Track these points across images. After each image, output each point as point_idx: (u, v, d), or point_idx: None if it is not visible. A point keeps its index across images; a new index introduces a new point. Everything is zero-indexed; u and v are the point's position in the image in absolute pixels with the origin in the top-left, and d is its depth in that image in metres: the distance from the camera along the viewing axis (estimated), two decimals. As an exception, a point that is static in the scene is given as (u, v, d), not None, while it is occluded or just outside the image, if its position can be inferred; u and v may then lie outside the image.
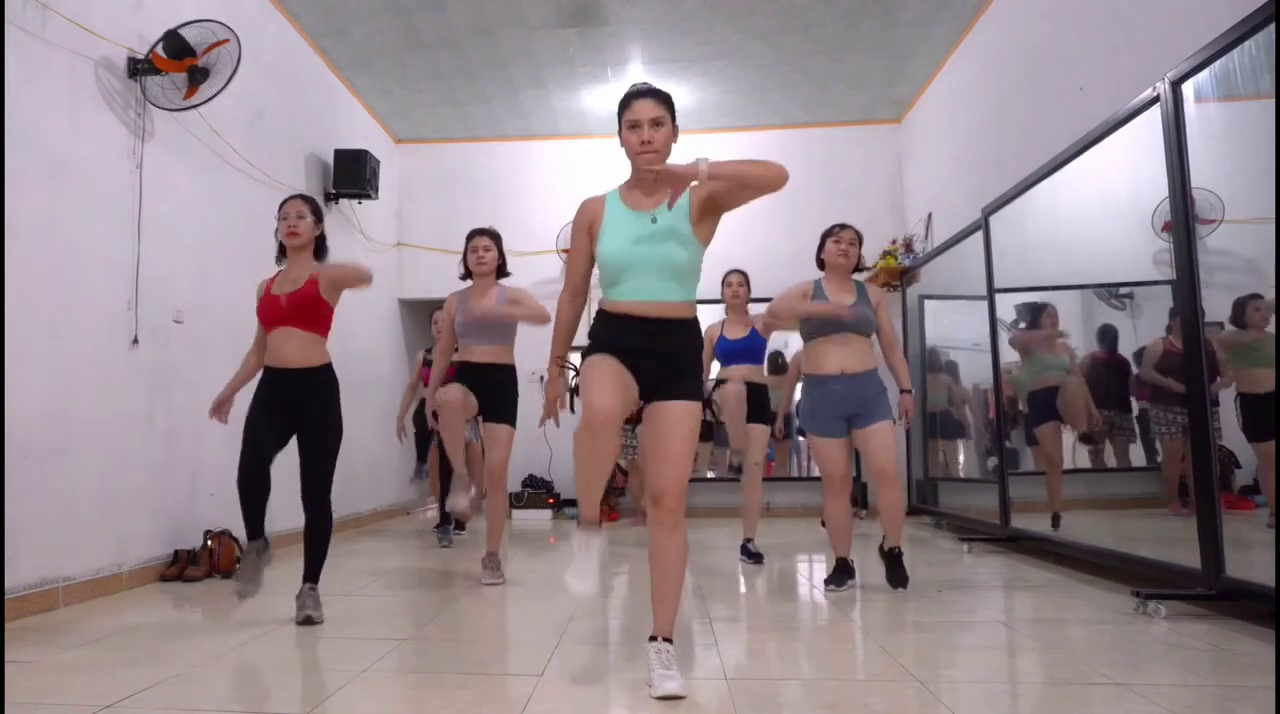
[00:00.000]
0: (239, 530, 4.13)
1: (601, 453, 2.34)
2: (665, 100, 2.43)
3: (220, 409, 3.38)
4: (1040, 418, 4.47)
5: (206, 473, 4.50)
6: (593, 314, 2.50)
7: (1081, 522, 4.21)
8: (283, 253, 3.34)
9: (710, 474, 7.33)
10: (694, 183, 2.34)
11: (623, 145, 2.43)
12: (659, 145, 2.39)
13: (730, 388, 4.41)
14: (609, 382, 2.28)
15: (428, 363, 5.77)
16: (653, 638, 2.32)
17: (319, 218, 3.34)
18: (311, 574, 3.22)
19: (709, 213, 2.44)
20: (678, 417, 2.33)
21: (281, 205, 3.31)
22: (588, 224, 2.48)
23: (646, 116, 2.38)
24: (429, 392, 4.21)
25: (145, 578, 3.99)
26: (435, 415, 3.97)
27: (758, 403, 4.53)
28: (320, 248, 3.37)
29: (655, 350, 2.35)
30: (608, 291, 2.44)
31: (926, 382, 6.60)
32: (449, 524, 5.97)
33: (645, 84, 2.48)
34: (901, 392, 3.75)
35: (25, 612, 3.23)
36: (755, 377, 4.60)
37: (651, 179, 2.38)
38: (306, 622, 3.09)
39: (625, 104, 2.42)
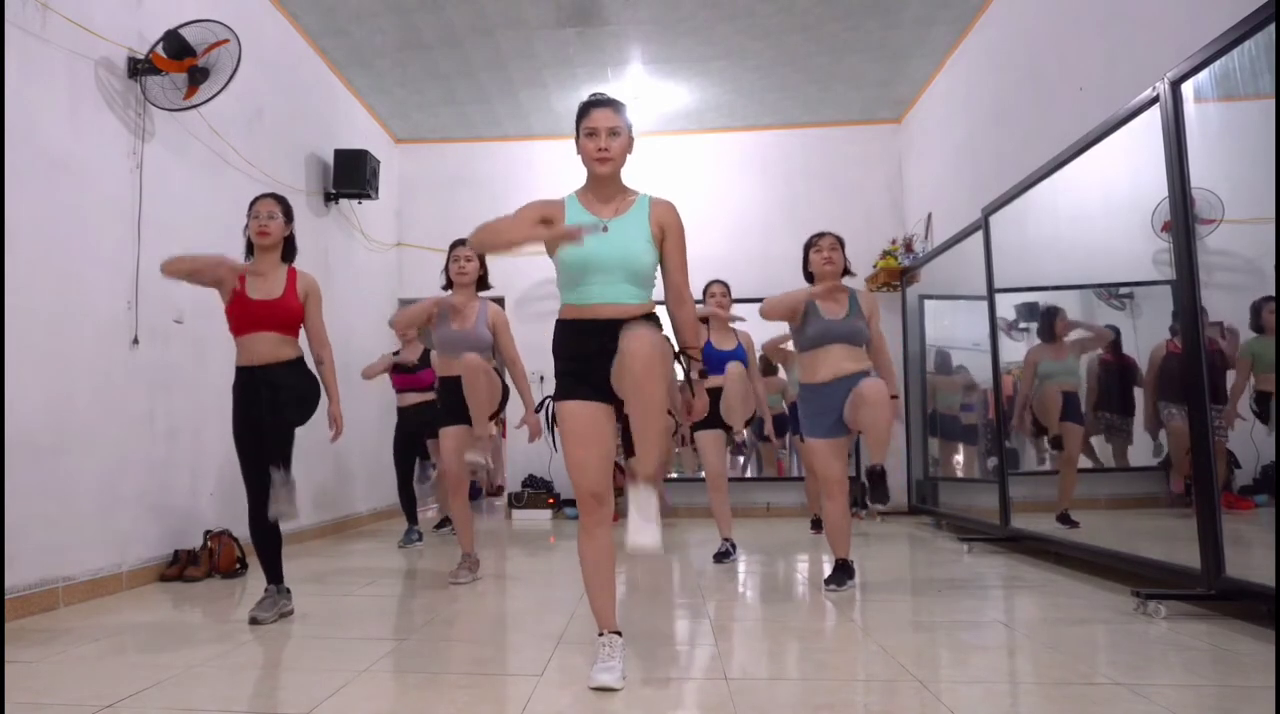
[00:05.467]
0: (239, 530, 4.15)
1: (602, 550, 2.40)
2: (622, 111, 2.48)
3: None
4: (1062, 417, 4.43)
5: (206, 473, 4.50)
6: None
7: (1081, 521, 4.21)
8: (250, 250, 3.33)
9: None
10: (662, 224, 2.46)
11: (579, 152, 2.48)
12: (615, 153, 2.44)
13: (734, 368, 4.60)
14: (590, 446, 2.36)
15: (398, 369, 5.81)
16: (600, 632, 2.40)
17: (289, 217, 3.34)
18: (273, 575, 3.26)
19: (659, 241, 2.48)
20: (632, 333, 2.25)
21: (252, 204, 3.31)
22: (547, 216, 2.46)
23: (604, 125, 2.42)
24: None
25: (145, 578, 3.99)
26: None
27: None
28: (289, 248, 3.36)
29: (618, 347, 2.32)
30: (567, 295, 2.45)
31: (926, 381, 6.60)
32: (444, 526, 6.11)
33: (602, 94, 2.52)
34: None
35: (25, 612, 3.23)
36: None
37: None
38: (252, 621, 3.09)
39: (584, 112, 2.47)
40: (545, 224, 2.44)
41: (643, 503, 2.25)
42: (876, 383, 3.44)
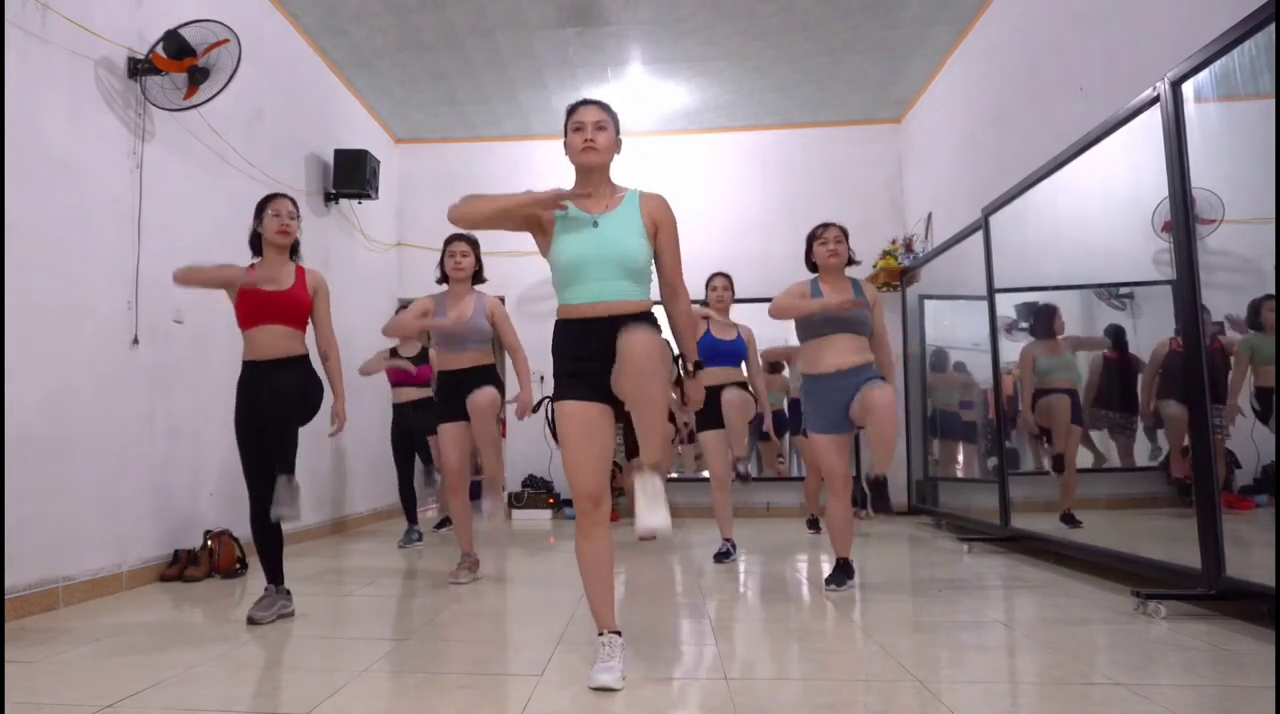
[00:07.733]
0: (239, 530, 4.15)
1: (599, 550, 2.40)
2: (610, 110, 2.52)
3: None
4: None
5: (206, 473, 4.50)
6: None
7: (1083, 521, 4.21)
8: (256, 247, 3.34)
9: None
10: (654, 218, 2.47)
11: (567, 150, 2.51)
12: (601, 145, 2.46)
13: (734, 395, 4.47)
14: (588, 446, 2.35)
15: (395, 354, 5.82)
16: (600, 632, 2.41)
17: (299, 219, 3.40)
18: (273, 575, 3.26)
19: (652, 236, 2.48)
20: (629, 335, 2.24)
21: (271, 201, 3.32)
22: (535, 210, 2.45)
23: (590, 119, 2.46)
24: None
25: (145, 578, 3.99)
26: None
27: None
28: (294, 246, 3.40)
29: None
30: (563, 294, 2.45)
31: (927, 381, 6.60)
32: (444, 526, 6.12)
33: (590, 98, 2.58)
34: None
35: (25, 612, 3.23)
36: (734, 377, 4.65)
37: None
38: (250, 621, 3.09)
39: (571, 110, 2.52)
40: (534, 218, 2.45)
41: (650, 489, 2.29)
42: (885, 391, 3.42)
